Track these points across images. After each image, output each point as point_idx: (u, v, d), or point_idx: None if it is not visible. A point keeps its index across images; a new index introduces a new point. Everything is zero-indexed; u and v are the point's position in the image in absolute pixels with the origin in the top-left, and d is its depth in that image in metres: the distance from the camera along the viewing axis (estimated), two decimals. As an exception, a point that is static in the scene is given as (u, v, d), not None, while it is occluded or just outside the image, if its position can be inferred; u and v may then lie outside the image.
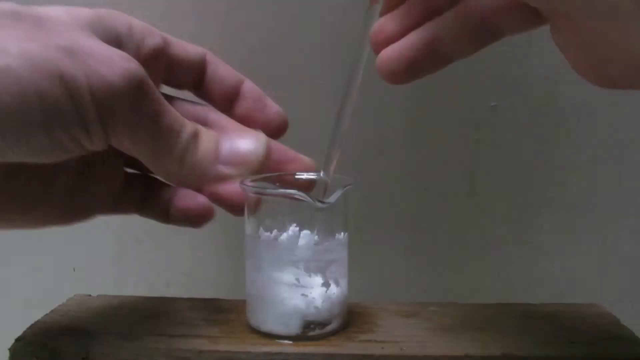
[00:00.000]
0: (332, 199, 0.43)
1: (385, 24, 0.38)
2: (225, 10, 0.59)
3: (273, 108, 0.46)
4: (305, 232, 0.45)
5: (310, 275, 0.44)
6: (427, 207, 0.61)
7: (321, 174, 0.44)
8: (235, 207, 0.43)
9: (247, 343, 0.43)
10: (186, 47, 0.43)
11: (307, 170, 0.46)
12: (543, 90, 0.59)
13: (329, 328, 0.44)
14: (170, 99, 0.43)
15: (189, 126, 0.39)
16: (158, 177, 0.42)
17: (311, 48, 0.59)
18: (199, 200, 0.42)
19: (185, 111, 0.42)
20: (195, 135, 0.39)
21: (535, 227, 0.62)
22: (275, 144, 0.44)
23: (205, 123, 0.43)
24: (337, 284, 0.45)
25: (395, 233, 0.62)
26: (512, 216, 0.61)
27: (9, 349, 0.43)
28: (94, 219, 0.41)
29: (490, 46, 0.37)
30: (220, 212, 0.63)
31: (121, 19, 0.39)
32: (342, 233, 0.46)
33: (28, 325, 0.46)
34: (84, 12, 0.36)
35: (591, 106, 0.59)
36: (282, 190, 0.45)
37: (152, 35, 0.41)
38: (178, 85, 0.45)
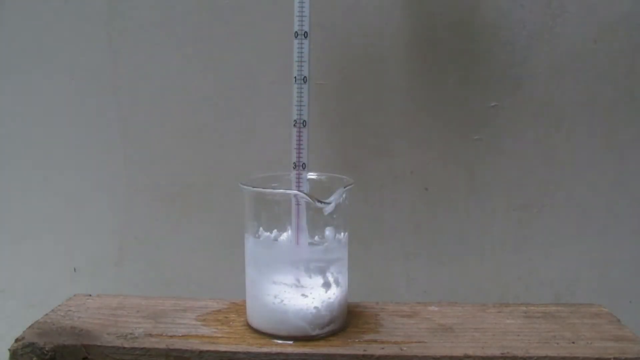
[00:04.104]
0: (332, 199, 0.43)
1: None
2: (226, 10, 0.59)
3: None
4: (305, 232, 0.45)
5: (310, 276, 0.44)
6: (427, 207, 0.61)
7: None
8: None
9: (247, 343, 0.43)
10: None
11: None
12: (543, 90, 0.59)
13: (328, 328, 0.44)
14: None
15: None
16: None
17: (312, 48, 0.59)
18: None
19: None
20: None
21: (535, 227, 0.62)
22: None
23: None
24: (337, 284, 0.45)
25: (395, 233, 0.62)
26: (512, 216, 0.61)
27: (9, 349, 0.43)
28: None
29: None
30: (219, 212, 0.64)
31: None
32: (342, 233, 0.46)
33: (28, 325, 0.46)
34: None
35: (591, 106, 0.59)
36: (282, 190, 0.45)
37: None
38: None
